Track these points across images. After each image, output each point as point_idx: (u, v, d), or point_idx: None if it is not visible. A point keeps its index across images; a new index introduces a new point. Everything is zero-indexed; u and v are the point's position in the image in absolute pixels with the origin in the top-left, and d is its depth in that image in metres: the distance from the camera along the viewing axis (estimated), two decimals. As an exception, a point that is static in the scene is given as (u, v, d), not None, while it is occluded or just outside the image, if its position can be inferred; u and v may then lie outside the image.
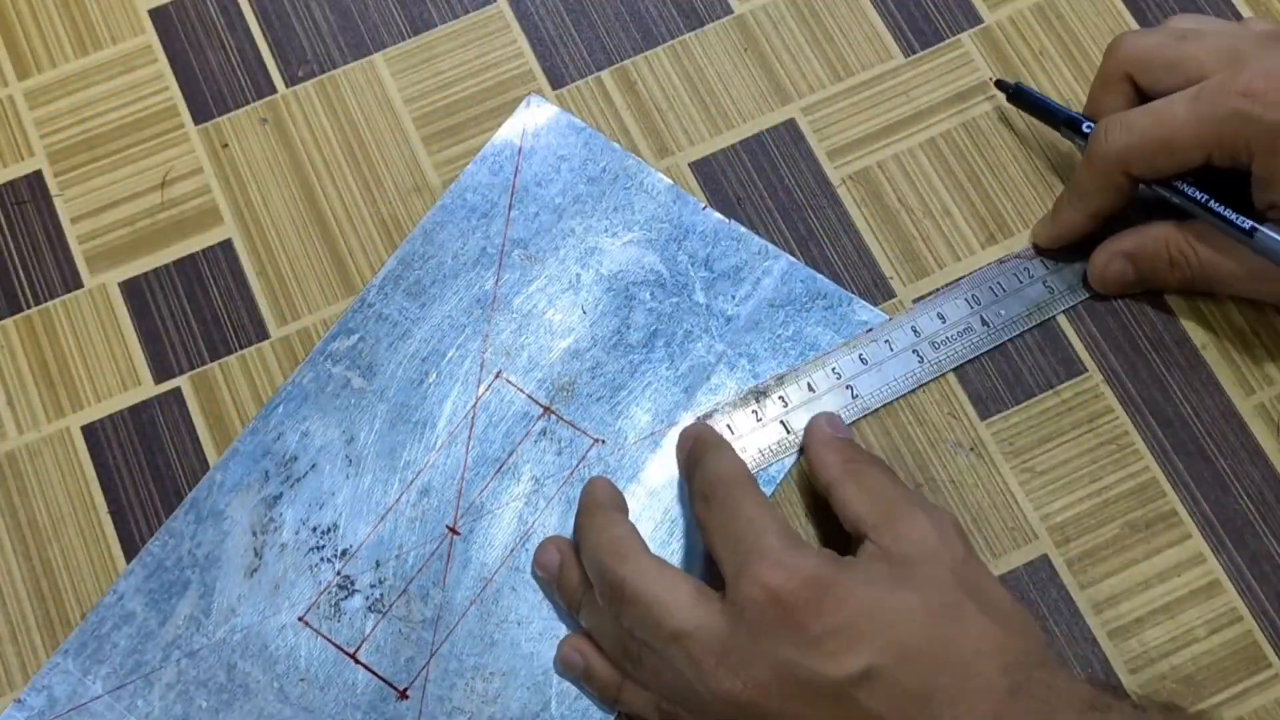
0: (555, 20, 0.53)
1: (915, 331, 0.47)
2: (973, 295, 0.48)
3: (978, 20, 0.53)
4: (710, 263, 0.49)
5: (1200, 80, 0.44)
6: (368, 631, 0.44)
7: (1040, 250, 0.49)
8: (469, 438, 0.46)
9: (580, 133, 0.50)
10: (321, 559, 0.45)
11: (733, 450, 0.44)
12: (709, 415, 0.46)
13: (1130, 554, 0.45)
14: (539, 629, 0.44)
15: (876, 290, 0.49)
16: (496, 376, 0.47)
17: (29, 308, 0.49)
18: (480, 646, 0.44)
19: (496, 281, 0.48)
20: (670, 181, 0.50)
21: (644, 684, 0.41)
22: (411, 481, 0.46)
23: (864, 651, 0.37)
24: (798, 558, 0.39)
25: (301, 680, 0.43)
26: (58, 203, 0.50)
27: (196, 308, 0.49)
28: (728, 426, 0.46)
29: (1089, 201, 0.47)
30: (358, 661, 0.44)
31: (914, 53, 0.52)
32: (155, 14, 0.53)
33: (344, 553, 0.45)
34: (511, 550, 0.45)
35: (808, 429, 0.46)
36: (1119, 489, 0.46)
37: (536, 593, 0.44)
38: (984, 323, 0.48)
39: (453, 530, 0.45)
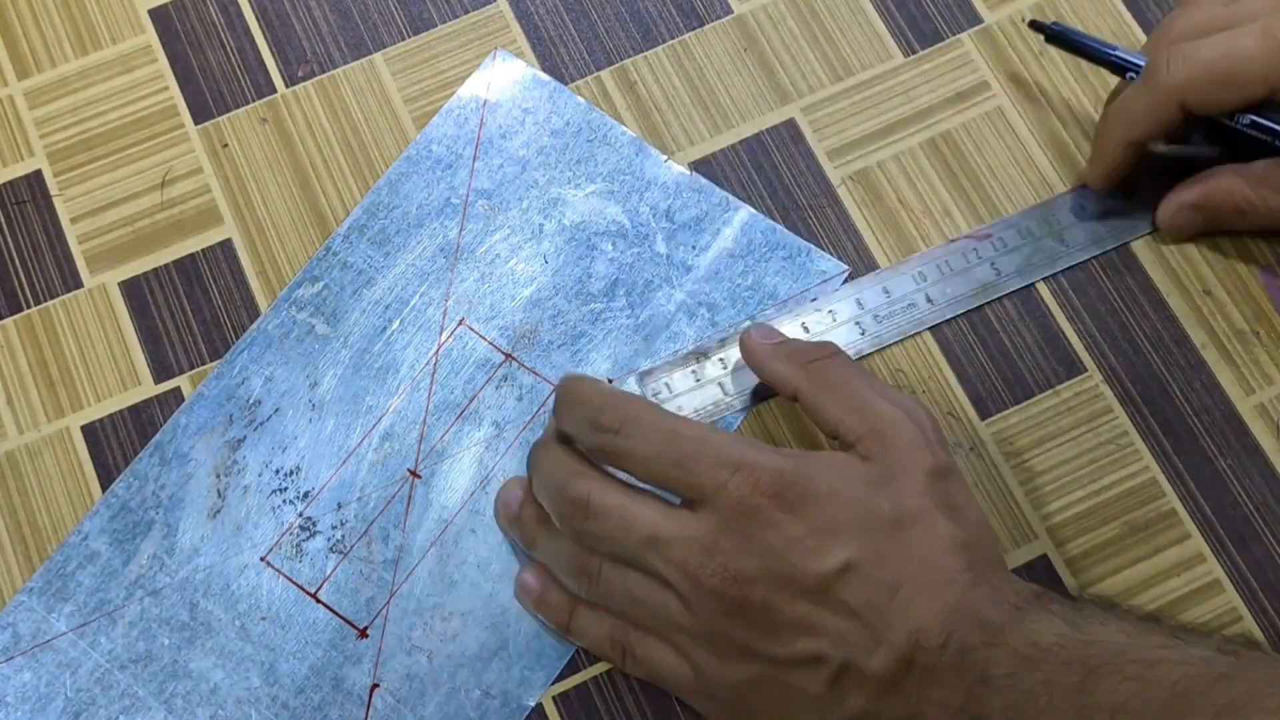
0: (555, 20, 0.53)
1: (860, 304, 0.48)
2: (919, 272, 0.48)
3: (977, 20, 0.53)
4: (671, 214, 0.49)
5: None
6: (329, 572, 0.45)
7: (1089, 189, 0.49)
8: (431, 384, 0.47)
9: (545, 86, 0.51)
10: (284, 501, 0.46)
11: (603, 382, 0.45)
12: (649, 373, 0.47)
13: (1130, 554, 0.45)
14: (498, 571, 0.45)
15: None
16: (460, 324, 0.48)
17: (29, 308, 0.49)
18: (440, 587, 0.45)
19: (460, 231, 0.49)
20: (634, 134, 0.50)
21: (603, 601, 0.42)
22: (374, 426, 0.47)
23: (843, 548, 0.39)
24: (776, 457, 0.40)
25: (263, 619, 0.44)
26: (58, 203, 0.50)
27: (196, 307, 0.49)
28: (666, 385, 0.47)
29: (1133, 129, 0.46)
30: (319, 601, 0.44)
31: (914, 53, 0.52)
32: (155, 14, 0.53)
33: (306, 495, 0.46)
34: (472, 494, 0.46)
35: (743, 347, 0.45)
36: (1119, 489, 0.46)
37: (496, 535, 0.45)
38: (928, 300, 0.48)
39: (414, 474, 0.46)
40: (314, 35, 0.53)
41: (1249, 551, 0.45)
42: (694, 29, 0.53)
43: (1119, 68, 0.48)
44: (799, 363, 0.44)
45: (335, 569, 0.45)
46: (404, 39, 0.53)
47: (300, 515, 0.45)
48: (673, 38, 0.53)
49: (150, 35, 0.53)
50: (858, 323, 0.47)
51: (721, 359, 0.47)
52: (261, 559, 0.45)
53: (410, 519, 0.45)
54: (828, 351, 0.44)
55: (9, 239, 0.50)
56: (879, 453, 0.41)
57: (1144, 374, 0.48)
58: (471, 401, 0.47)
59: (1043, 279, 0.48)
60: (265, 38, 0.53)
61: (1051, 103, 0.51)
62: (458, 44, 0.53)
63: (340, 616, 0.44)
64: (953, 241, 0.49)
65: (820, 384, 0.43)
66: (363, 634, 0.44)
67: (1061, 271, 0.48)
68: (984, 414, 0.47)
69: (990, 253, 0.48)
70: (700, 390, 0.47)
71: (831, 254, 0.49)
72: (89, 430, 0.47)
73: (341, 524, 0.45)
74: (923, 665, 0.38)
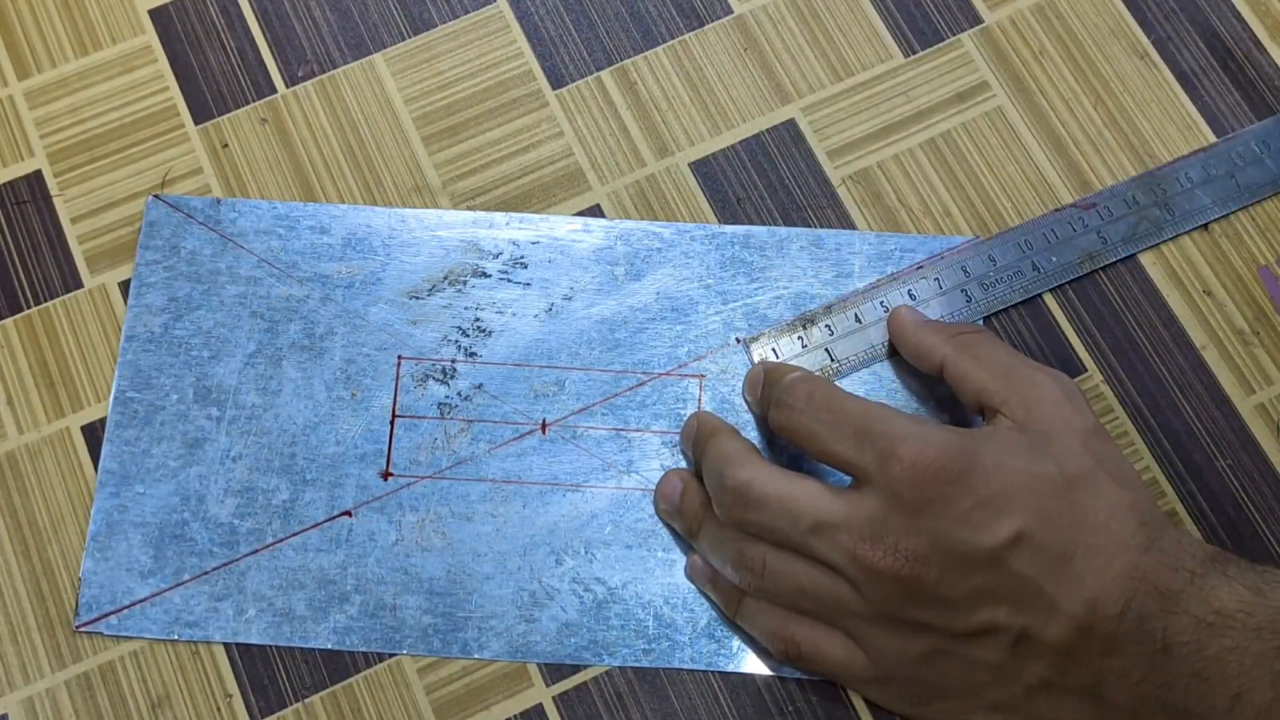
0: (555, 20, 0.53)
1: (965, 272, 0.48)
2: (1025, 240, 0.48)
3: (977, 20, 0.53)
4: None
5: None
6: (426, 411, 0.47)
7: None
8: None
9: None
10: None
11: (805, 369, 0.46)
12: (755, 338, 0.47)
13: (1130, 554, 0.45)
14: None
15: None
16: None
17: (29, 308, 0.49)
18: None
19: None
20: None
21: (768, 594, 0.42)
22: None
23: (1012, 518, 0.39)
24: (939, 433, 0.40)
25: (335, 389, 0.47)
26: (58, 203, 0.50)
27: (196, 308, 0.49)
28: (773, 350, 0.47)
29: None
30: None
31: (914, 53, 0.52)
32: (155, 14, 0.53)
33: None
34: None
35: (893, 321, 0.46)
36: (1119, 489, 0.46)
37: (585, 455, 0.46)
38: (1034, 268, 0.48)
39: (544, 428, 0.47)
40: (314, 35, 0.53)
41: (1249, 551, 0.45)
42: (694, 29, 0.53)
43: None
44: (946, 334, 0.44)
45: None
46: (404, 39, 0.53)
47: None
48: (673, 38, 0.53)
49: (150, 35, 0.53)
50: (963, 290, 0.48)
51: (829, 325, 0.47)
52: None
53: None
54: (974, 328, 0.45)
55: (9, 239, 0.50)
56: (1029, 416, 0.41)
57: (1144, 374, 0.48)
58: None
59: (1146, 249, 0.49)
60: (265, 38, 0.53)
61: (1051, 103, 0.51)
62: (458, 44, 0.53)
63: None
64: (1057, 211, 0.49)
65: (966, 352, 0.43)
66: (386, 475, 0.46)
67: (1170, 239, 0.49)
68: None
69: (1096, 221, 0.49)
70: (806, 355, 0.47)
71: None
72: (89, 430, 0.47)
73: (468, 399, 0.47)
74: (1102, 634, 0.38)
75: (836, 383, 0.47)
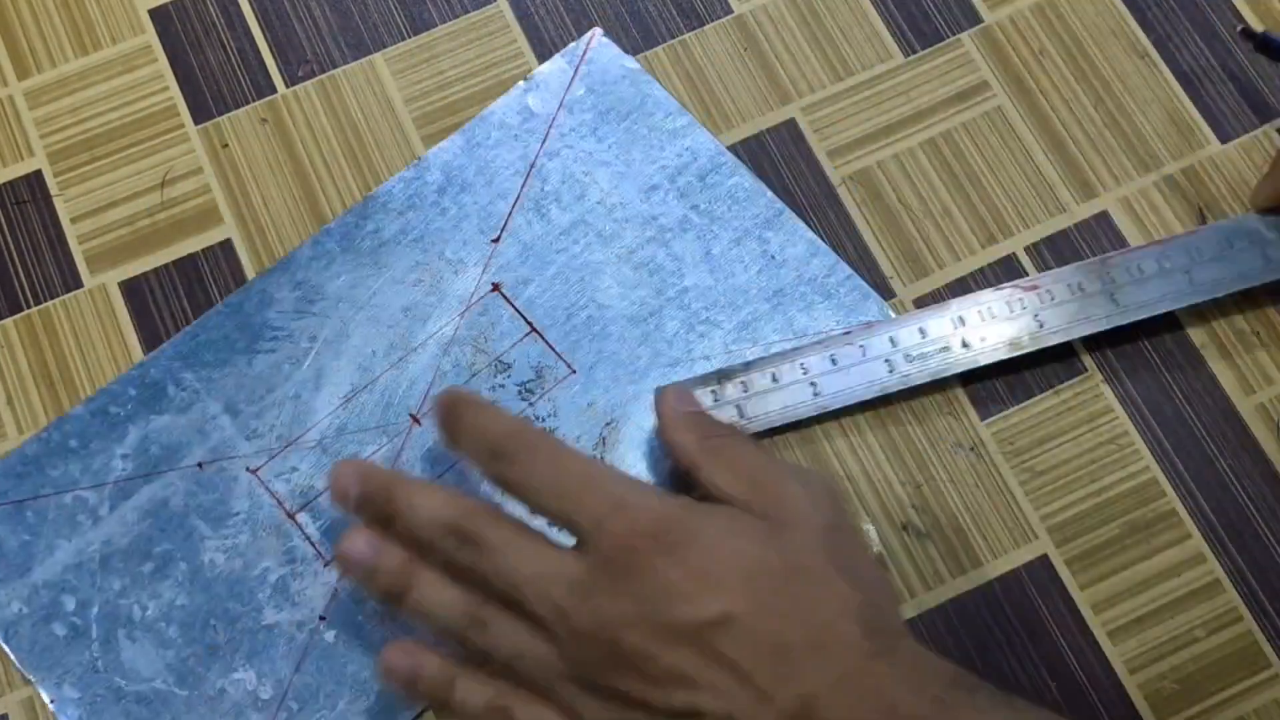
0: (555, 20, 0.53)
1: (893, 342, 0.47)
2: (959, 316, 0.47)
3: (977, 20, 0.53)
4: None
5: None
6: (311, 499, 0.45)
7: (1262, 210, 0.48)
8: (451, 339, 0.48)
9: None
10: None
11: (499, 408, 0.42)
12: (668, 387, 0.46)
13: (1130, 554, 0.45)
14: None
15: (877, 290, 0.49)
16: (492, 290, 0.48)
17: (29, 308, 0.49)
18: None
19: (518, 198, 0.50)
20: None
21: (488, 649, 0.40)
22: (385, 370, 0.47)
23: (722, 597, 0.37)
24: (660, 501, 0.39)
25: (235, 515, 0.45)
26: (58, 203, 0.50)
27: (196, 308, 0.49)
28: None
29: None
30: (294, 522, 0.45)
31: (914, 53, 0.52)
32: (155, 14, 0.53)
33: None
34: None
35: (657, 407, 0.44)
36: (1119, 489, 0.46)
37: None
38: (964, 344, 0.47)
39: (414, 419, 0.47)
40: (314, 35, 0.53)
41: (1249, 551, 0.45)
42: (694, 29, 0.53)
43: None
44: (697, 435, 0.43)
45: (318, 498, 0.46)
46: (404, 39, 0.53)
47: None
48: (673, 38, 0.53)
49: (150, 35, 0.53)
50: (887, 360, 0.47)
51: (744, 382, 0.46)
52: (251, 470, 0.46)
53: (400, 462, 0.46)
54: (728, 430, 0.43)
55: (9, 239, 0.50)
56: (772, 510, 0.39)
57: (1144, 374, 0.48)
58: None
59: (1083, 338, 0.48)
60: (265, 38, 0.53)
61: (1051, 103, 0.51)
62: (458, 44, 0.53)
63: (311, 543, 0.45)
64: (998, 289, 0.48)
65: (717, 457, 0.42)
66: (328, 563, 0.45)
67: (1105, 331, 0.47)
68: (984, 414, 0.47)
69: (1035, 304, 0.47)
70: (715, 411, 0.46)
71: (832, 254, 0.49)
72: (89, 430, 0.47)
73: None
74: None
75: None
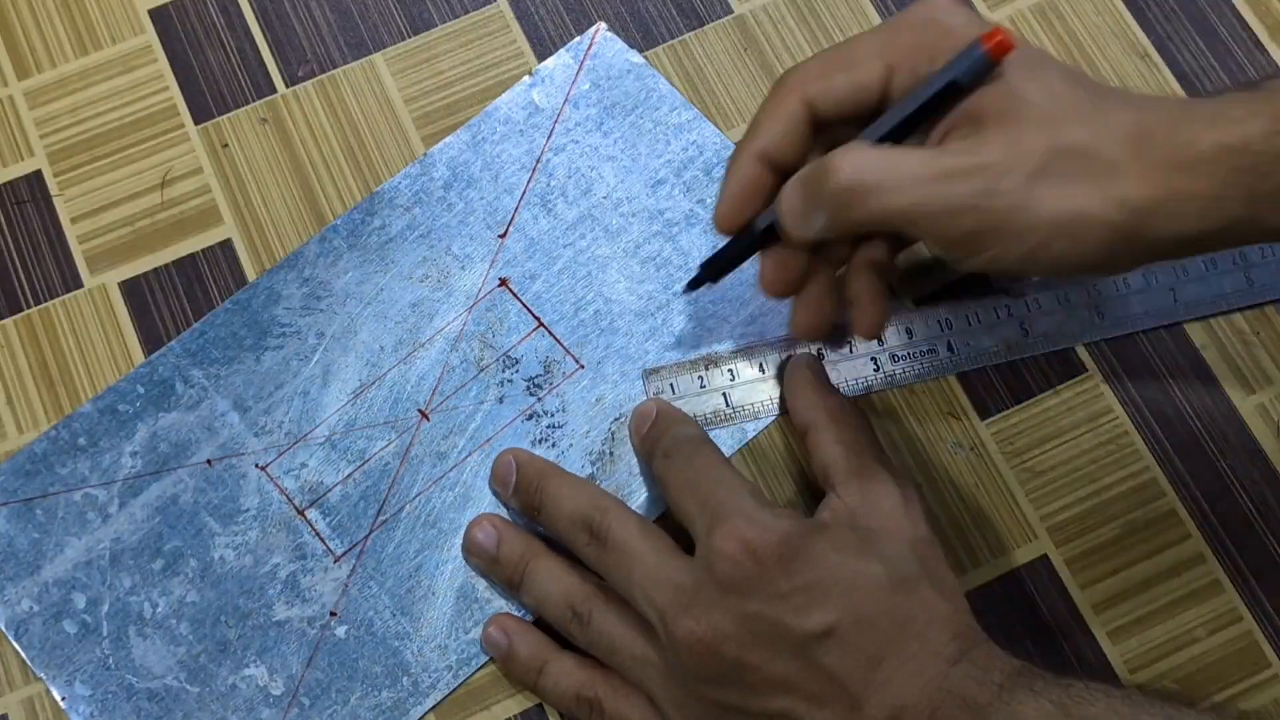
0: (555, 20, 0.53)
1: (879, 341, 0.47)
2: (946, 319, 0.47)
3: (978, 20, 0.53)
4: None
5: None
6: (320, 495, 0.45)
7: (720, 229, 0.42)
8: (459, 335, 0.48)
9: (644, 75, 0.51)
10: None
11: (697, 423, 0.45)
12: (655, 371, 0.47)
13: (1130, 554, 0.45)
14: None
15: (876, 290, 0.49)
16: (500, 285, 0.48)
17: (29, 308, 0.49)
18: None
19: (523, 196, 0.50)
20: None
21: (588, 642, 0.42)
22: (393, 366, 0.47)
23: (828, 610, 0.38)
24: (772, 517, 0.40)
25: (245, 512, 0.45)
26: (58, 203, 0.50)
27: (196, 308, 0.49)
28: (670, 385, 0.47)
29: (756, 136, 0.40)
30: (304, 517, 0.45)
31: (914, 53, 0.52)
32: (155, 14, 0.53)
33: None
34: (476, 446, 0.46)
35: (790, 368, 0.46)
36: (1119, 489, 0.46)
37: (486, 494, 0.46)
38: (950, 348, 0.47)
39: (423, 414, 0.47)
40: (314, 35, 0.53)
41: (1249, 551, 0.45)
42: (694, 29, 0.53)
43: None
44: (821, 403, 0.44)
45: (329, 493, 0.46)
46: (404, 39, 0.53)
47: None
48: (673, 38, 0.53)
49: (150, 35, 0.53)
50: (874, 358, 0.47)
51: (731, 369, 0.47)
52: (260, 466, 0.46)
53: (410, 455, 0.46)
54: (856, 407, 0.45)
55: (9, 239, 0.50)
56: (860, 506, 0.41)
57: (1144, 374, 0.48)
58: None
59: (1073, 347, 0.48)
60: (265, 38, 0.53)
61: (1051, 103, 0.51)
62: (458, 44, 0.53)
63: (320, 538, 0.45)
64: (982, 298, 0.48)
65: (830, 425, 0.44)
66: (337, 559, 0.45)
67: (1095, 342, 0.48)
68: (984, 414, 0.47)
69: (1022, 312, 0.47)
70: (701, 397, 0.46)
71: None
72: (89, 430, 0.47)
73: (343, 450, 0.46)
74: None
75: (722, 433, 0.47)
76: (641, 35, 0.53)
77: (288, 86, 0.52)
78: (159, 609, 0.44)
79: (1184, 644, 0.44)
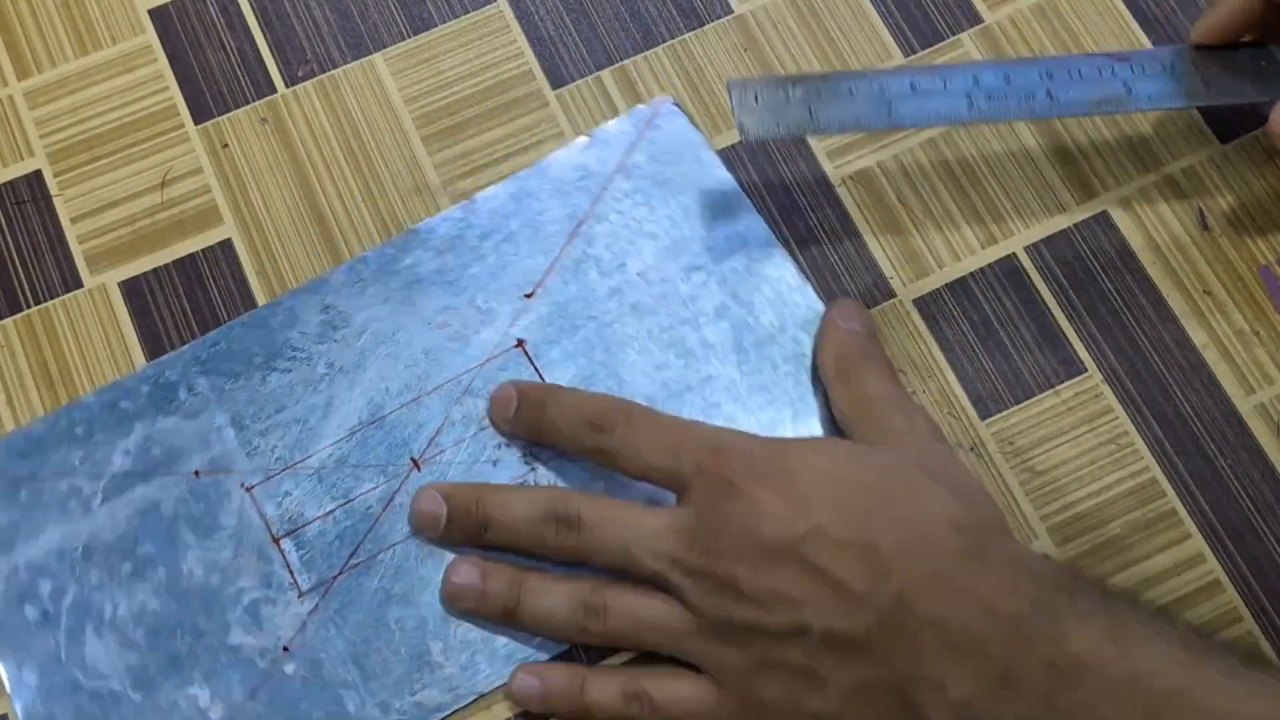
0: (555, 20, 0.53)
1: (975, 80, 0.47)
2: (1048, 70, 0.47)
3: (978, 20, 0.53)
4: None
5: None
6: (299, 526, 0.45)
7: (1199, 48, 0.47)
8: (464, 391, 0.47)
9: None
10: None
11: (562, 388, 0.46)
12: (743, 78, 0.46)
13: (1130, 554, 0.45)
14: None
15: (877, 290, 0.49)
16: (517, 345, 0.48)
17: (29, 307, 0.49)
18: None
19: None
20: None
21: (611, 633, 0.42)
22: (396, 410, 0.47)
23: (812, 513, 0.39)
24: (751, 439, 0.41)
25: (222, 529, 0.45)
26: (58, 203, 0.50)
27: (196, 308, 0.49)
28: (755, 96, 0.46)
29: None
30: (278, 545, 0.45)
31: (914, 52, 0.52)
32: (155, 14, 0.53)
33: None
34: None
35: (825, 316, 0.47)
36: (1119, 489, 0.46)
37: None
38: (1049, 95, 0.47)
39: (415, 463, 0.46)
40: (314, 35, 0.53)
41: (1249, 551, 0.45)
42: (694, 29, 0.53)
43: None
44: (840, 352, 0.45)
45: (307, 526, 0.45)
46: (404, 39, 0.53)
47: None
48: (673, 38, 0.53)
49: (150, 35, 0.53)
50: (968, 95, 0.46)
51: (819, 88, 0.46)
52: (246, 487, 0.46)
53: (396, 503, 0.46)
54: (864, 355, 0.46)
55: (9, 239, 0.50)
56: (873, 438, 0.42)
57: (1144, 374, 0.48)
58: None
59: (1082, 337, 0.48)
60: (265, 38, 0.53)
61: (1051, 103, 0.51)
62: (458, 44, 0.53)
63: (289, 570, 0.44)
64: (1089, 54, 0.47)
65: (844, 378, 0.45)
66: (301, 594, 0.44)
67: (1103, 331, 0.48)
68: (984, 414, 0.47)
69: (1126, 73, 0.47)
70: (790, 107, 0.45)
71: (831, 253, 0.49)
72: (89, 430, 0.47)
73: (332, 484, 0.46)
74: (914, 634, 0.37)
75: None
76: (641, 35, 0.53)
77: (288, 86, 0.52)
78: (119, 611, 0.44)
79: (1184, 644, 0.44)
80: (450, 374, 0.47)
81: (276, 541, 0.45)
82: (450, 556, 0.44)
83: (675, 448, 0.42)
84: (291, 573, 0.44)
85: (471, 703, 0.43)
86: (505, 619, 0.43)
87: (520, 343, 0.47)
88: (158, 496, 0.45)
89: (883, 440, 0.42)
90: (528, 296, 0.48)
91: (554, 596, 0.42)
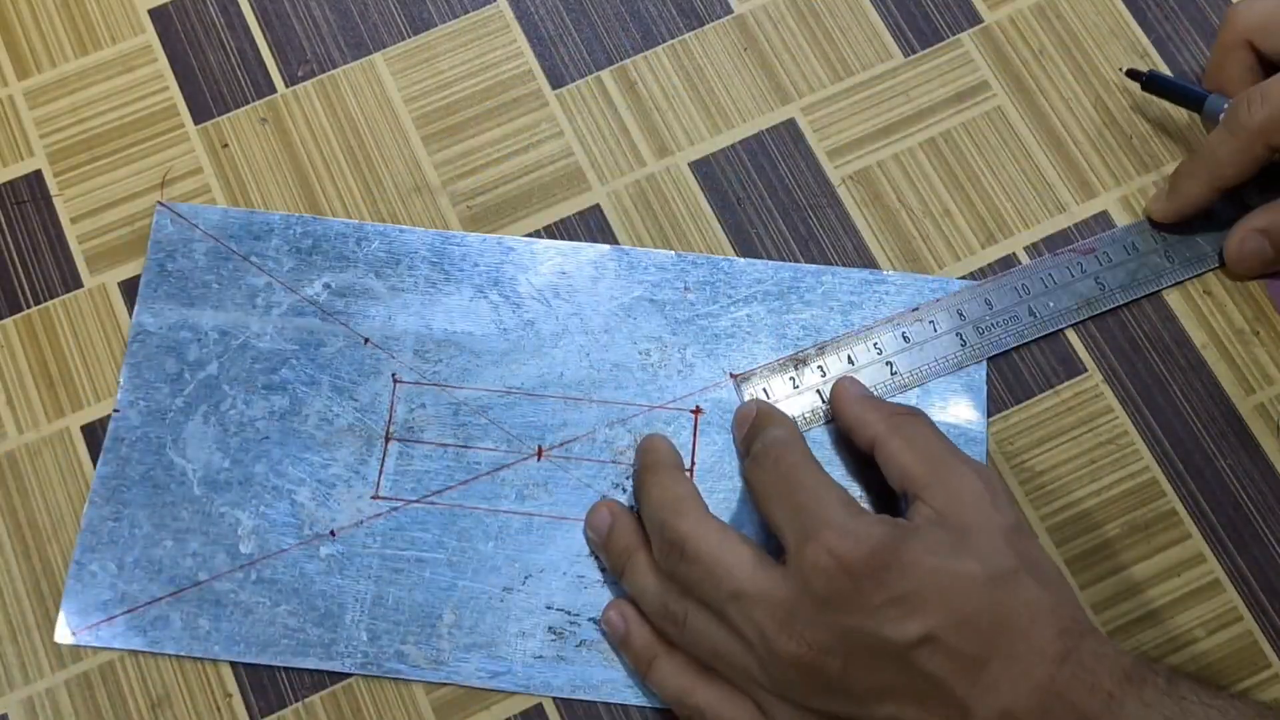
0: (555, 20, 0.53)
1: (961, 315, 0.47)
2: (1023, 285, 0.48)
3: (977, 20, 0.53)
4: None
5: None
6: (413, 437, 0.46)
7: (1155, 225, 0.49)
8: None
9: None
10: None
11: (792, 423, 0.45)
12: (746, 377, 0.47)
13: (1130, 554, 0.45)
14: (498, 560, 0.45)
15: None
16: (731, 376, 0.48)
17: (29, 308, 0.49)
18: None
19: None
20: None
21: (686, 645, 0.42)
22: (557, 396, 0.47)
23: (926, 617, 0.38)
24: (863, 526, 0.39)
25: (355, 401, 0.47)
26: (58, 203, 0.50)
27: (196, 308, 0.49)
28: (764, 390, 0.47)
29: (1219, 174, 0.46)
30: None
31: (914, 52, 0.52)
32: (155, 14, 0.53)
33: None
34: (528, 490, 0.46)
35: (835, 392, 0.46)
36: (1119, 489, 0.46)
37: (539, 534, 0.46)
38: (1031, 313, 0.48)
39: (540, 452, 0.46)
40: (314, 35, 0.53)
41: (1249, 551, 0.45)
42: (694, 29, 0.53)
43: (1211, 108, 0.48)
44: (883, 413, 0.44)
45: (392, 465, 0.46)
46: (404, 39, 0.53)
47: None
48: (673, 38, 0.53)
49: (150, 35, 0.53)
50: (959, 334, 0.47)
51: (821, 366, 0.47)
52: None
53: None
54: (911, 410, 0.44)
55: (9, 239, 0.50)
56: (948, 506, 0.40)
57: (1144, 374, 0.48)
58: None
59: (1148, 295, 0.48)
60: (265, 38, 0.53)
61: (1051, 103, 0.51)
62: (458, 44, 0.53)
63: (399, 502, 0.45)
64: (1055, 254, 0.48)
65: (898, 433, 0.43)
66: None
67: (1168, 287, 0.48)
68: (984, 414, 0.47)
69: (1095, 267, 0.48)
70: (799, 397, 0.46)
71: (831, 253, 0.49)
72: (89, 430, 0.47)
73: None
74: None
75: (820, 433, 0.46)
76: (641, 35, 0.53)
77: (288, 86, 0.52)
78: (233, 411, 0.46)
79: (1184, 644, 0.44)
80: (621, 397, 0.47)
81: (388, 439, 0.46)
82: (502, 550, 0.45)
83: (795, 510, 0.40)
84: (381, 473, 0.45)
85: (443, 684, 0.44)
86: (613, 573, 0.44)
87: (698, 410, 0.47)
88: (324, 338, 0.47)
89: (965, 513, 0.40)
90: (733, 376, 0.47)
91: (648, 581, 0.43)
